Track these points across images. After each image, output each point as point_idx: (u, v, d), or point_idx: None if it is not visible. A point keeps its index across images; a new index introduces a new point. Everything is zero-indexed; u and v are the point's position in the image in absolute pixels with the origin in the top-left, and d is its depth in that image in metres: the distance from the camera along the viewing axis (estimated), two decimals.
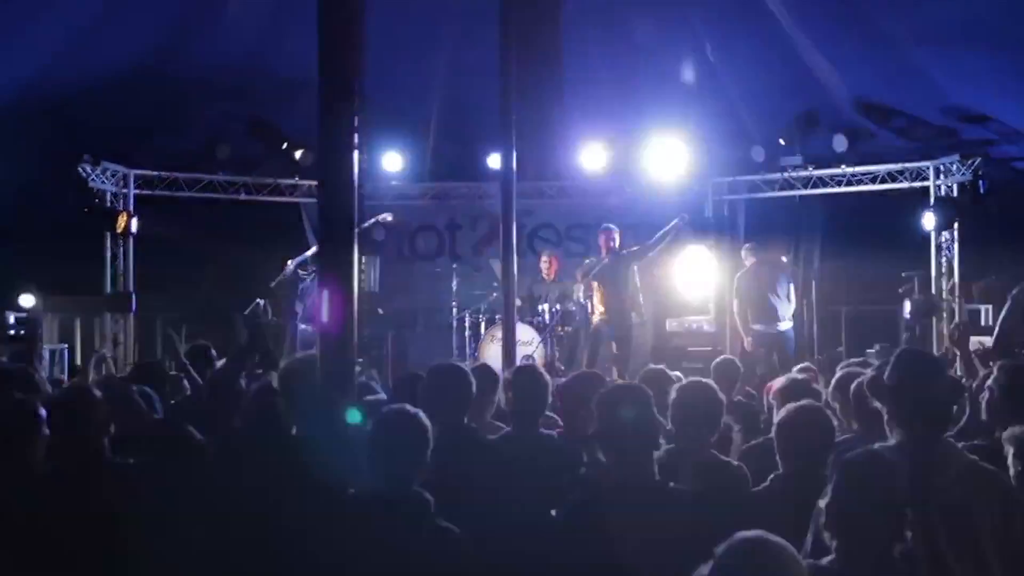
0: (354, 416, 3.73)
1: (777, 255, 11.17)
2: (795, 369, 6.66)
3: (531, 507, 3.80)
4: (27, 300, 10.80)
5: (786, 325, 10.57)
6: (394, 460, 3.36)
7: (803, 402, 3.91)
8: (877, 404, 3.47)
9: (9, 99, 10.49)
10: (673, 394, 4.16)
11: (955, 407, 3.58)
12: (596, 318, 10.52)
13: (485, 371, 4.88)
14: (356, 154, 3.96)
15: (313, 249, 11.22)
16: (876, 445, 3.34)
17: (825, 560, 2.79)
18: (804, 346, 11.57)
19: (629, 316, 10.51)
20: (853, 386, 4.27)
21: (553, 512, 3.60)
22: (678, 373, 6.32)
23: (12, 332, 10.68)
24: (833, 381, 4.73)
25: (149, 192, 12.19)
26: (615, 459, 3.47)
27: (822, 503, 2.82)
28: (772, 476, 3.79)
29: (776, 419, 3.91)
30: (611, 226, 10.70)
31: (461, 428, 4.16)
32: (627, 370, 9.66)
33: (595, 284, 10.51)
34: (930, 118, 11.54)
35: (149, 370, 6.00)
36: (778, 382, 5.12)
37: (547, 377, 4.66)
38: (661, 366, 5.76)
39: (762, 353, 10.42)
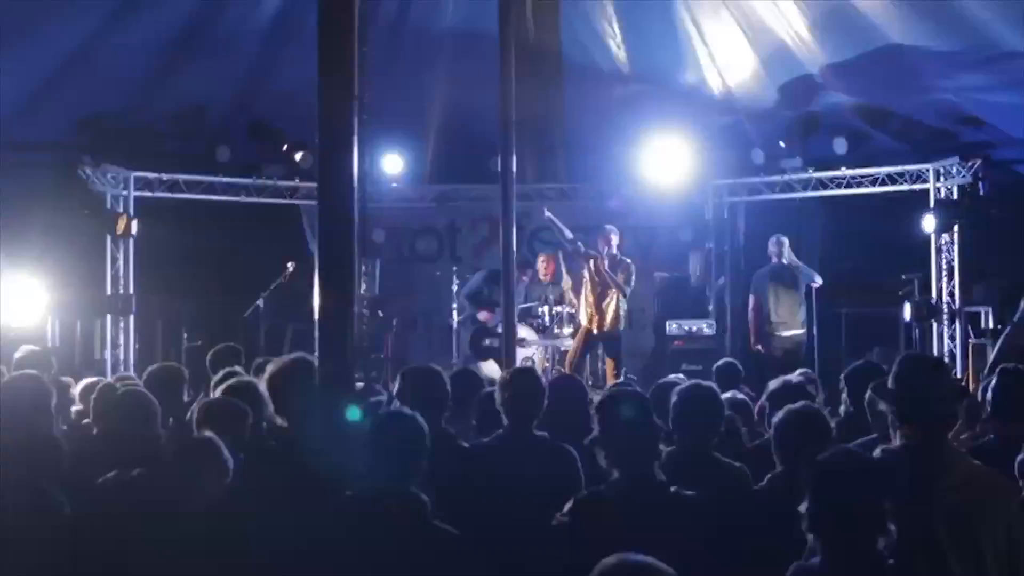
0: (354, 414, 3.73)
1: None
2: (796, 374, 6.66)
3: (523, 510, 3.80)
4: None
5: (802, 329, 10.59)
6: (392, 462, 3.36)
7: (799, 404, 3.94)
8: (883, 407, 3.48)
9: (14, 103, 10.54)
10: (674, 397, 4.17)
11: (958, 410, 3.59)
12: (585, 322, 10.44)
13: (467, 376, 4.93)
14: (356, 156, 3.97)
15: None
16: (879, 448, 3.35)
17: (814, 560, 2.80)
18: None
19: (618, 320, 10.42)
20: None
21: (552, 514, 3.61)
22: (681, 375, 6.36)
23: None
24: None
25: (149, 194, 12.17)
26: (615, 462, 3.51)
27: (802, 508, 2.81)
28: (769, 476, 3.83)
29: (774, 420, 3.94)
30: (610, 227, 10.62)
31: (437, 432, 4.10)
32: (620, 375, 9.64)
33: (586, 287, 10.44)
34: (928, 120, 11.54)
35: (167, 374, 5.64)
36: (773, 384, 5.13)
37: (543, 380, 4.66)
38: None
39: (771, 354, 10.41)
